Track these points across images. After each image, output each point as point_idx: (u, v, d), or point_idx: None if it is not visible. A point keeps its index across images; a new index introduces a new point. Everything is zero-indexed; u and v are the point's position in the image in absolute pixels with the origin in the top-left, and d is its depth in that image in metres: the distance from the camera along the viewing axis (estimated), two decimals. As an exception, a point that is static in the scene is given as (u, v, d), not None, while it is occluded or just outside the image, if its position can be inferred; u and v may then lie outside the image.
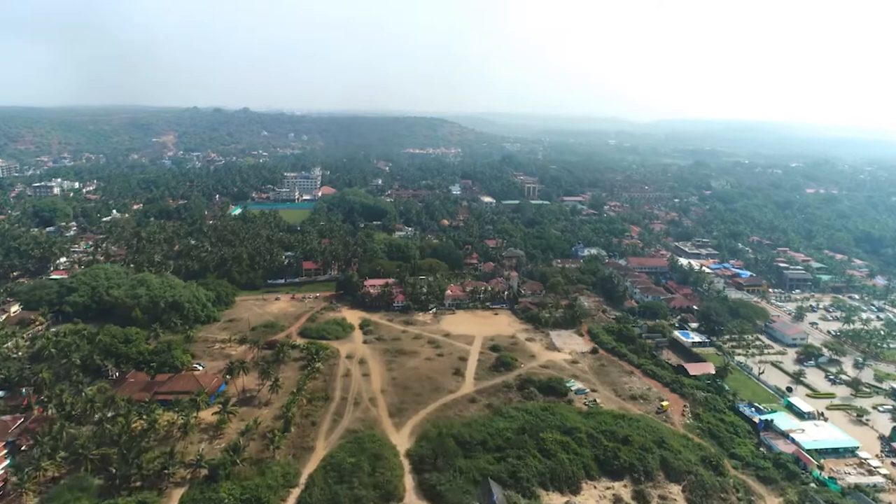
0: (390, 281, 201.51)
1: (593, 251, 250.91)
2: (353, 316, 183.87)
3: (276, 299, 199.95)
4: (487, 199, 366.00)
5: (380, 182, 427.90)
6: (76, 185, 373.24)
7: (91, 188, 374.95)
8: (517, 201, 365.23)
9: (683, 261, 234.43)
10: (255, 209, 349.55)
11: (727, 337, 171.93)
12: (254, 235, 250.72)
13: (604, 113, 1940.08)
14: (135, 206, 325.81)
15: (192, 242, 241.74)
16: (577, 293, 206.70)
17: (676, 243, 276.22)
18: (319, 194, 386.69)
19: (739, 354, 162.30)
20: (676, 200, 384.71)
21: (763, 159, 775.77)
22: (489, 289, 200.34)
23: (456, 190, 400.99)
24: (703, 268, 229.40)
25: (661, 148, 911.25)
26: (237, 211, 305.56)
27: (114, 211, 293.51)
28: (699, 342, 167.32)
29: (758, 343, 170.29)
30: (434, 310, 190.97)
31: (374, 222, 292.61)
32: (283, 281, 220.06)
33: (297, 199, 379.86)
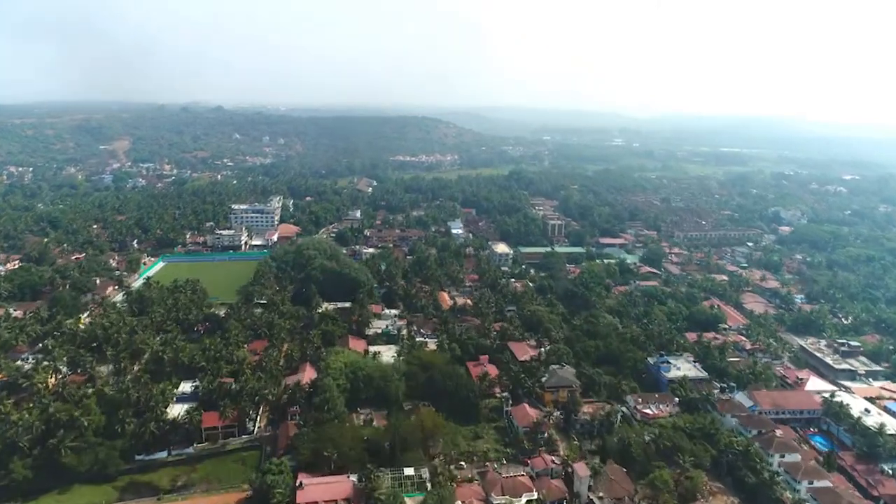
0: (347, 491, 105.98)
1: (684, 370, 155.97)
2: None
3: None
4: (501, 247, 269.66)
5: (358, 215, 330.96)
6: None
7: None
8: (542, 250, 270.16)
9: (853, 405, 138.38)
10: (182, 262, 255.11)
11: None
12: (137, 348, 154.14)
13: (602, 108, 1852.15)
14: (7, 267, 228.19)
15: (28, 365, 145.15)
16: (693, 489, 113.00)
17: (800, 341, 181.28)
18: (275, 237, 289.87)
19: None
20: (750, 245, 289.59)
21: (794, 164, 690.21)
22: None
23: (457, 228, 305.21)
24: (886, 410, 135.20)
25: (676, 150, 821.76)
26: (138, 282, 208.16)
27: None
28: None
29: None
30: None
31: (341, 304, 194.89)
32: (164, 454, 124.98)
33: (245, 245, 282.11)
